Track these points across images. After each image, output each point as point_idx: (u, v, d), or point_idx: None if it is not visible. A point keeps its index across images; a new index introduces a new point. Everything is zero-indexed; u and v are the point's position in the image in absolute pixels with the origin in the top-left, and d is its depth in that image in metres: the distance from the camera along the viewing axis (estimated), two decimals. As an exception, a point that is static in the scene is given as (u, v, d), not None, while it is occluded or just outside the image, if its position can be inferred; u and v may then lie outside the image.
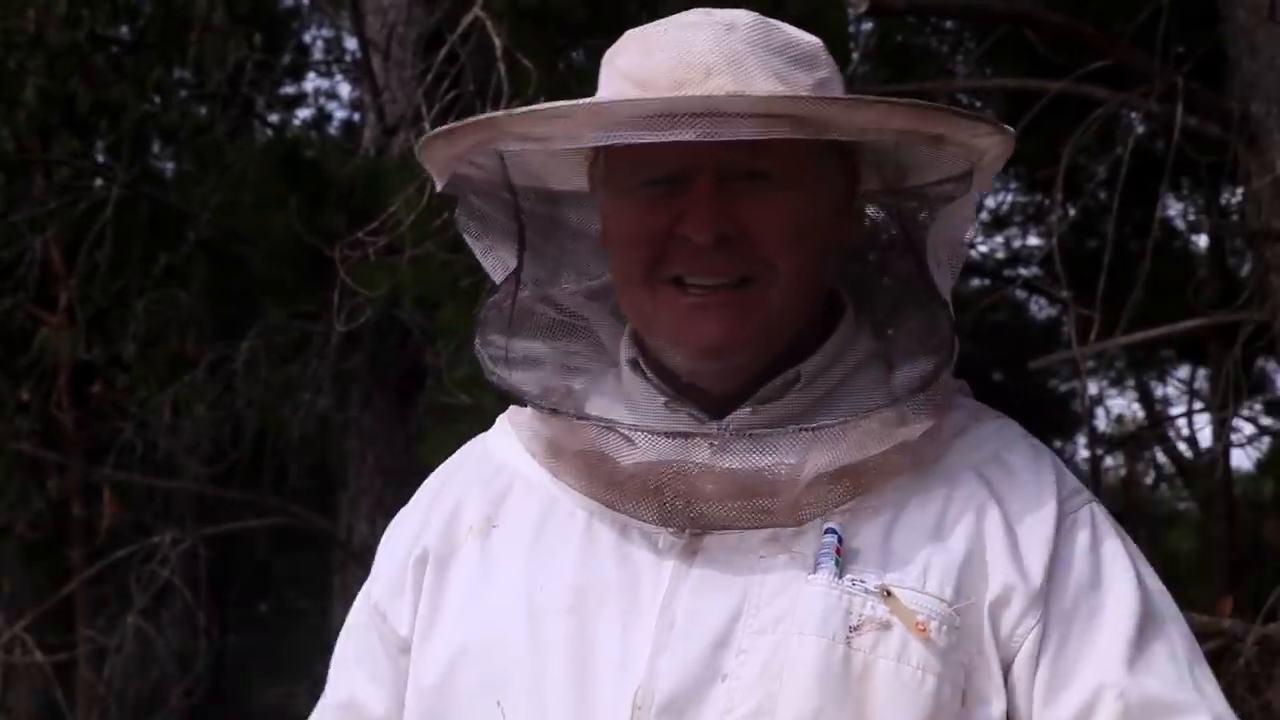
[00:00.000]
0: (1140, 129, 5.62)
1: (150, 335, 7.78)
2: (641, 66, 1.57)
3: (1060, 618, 1.54)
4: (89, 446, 8.37)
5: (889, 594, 1.51)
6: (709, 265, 1.55)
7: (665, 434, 1.56)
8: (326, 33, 10.07)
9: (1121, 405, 12.65)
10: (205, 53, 7.35)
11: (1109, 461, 9.77)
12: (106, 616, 8.18)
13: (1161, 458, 10.05)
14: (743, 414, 1.58)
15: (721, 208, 1.54)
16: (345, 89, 10.02)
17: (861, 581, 1.52)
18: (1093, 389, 8.68)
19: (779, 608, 1.52)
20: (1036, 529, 1.56)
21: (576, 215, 1.75)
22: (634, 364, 1.64)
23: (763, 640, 1.51)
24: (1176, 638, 1.57)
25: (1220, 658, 5.00)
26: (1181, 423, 9.79)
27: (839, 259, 1.67)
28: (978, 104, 7.34)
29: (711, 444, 1.54)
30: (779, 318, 1.58)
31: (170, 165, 9.12)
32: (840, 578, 1.51)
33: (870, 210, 1.71)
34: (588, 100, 1.52)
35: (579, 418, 1.61)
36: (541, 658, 1.55)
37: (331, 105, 9.98)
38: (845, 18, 6.19)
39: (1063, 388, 9.19)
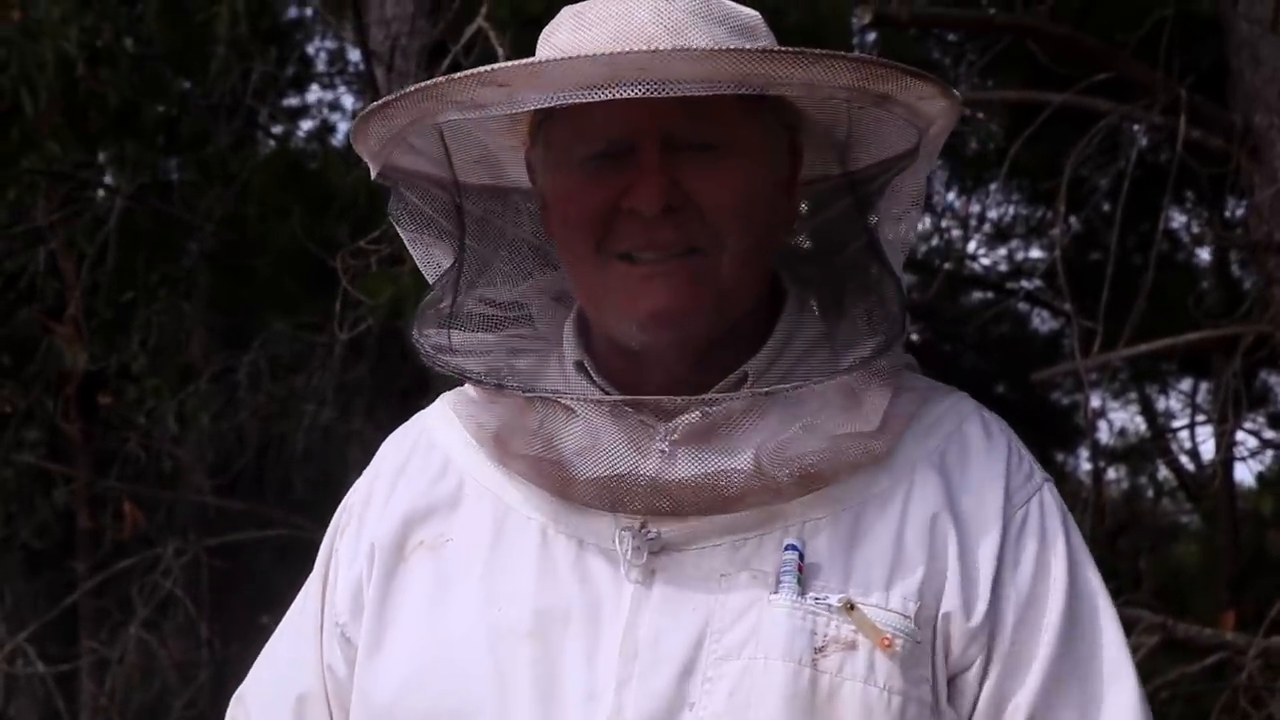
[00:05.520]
0: (1143, 141, 5.62)
1: (156, 346, 7.78)
2: (580, 40, 1.52)
3: (1001, 648, 1.52)
4: (95, 458, 8.37)
5: (852, 607, 1.47)
6: (656, 238, 1.50)
7: (613, 404, 1.52)
8: (330, 44, 10.07)
9: (1124, 418, 12.59)
10: (230, 67, 7.36)
11: (1111, 474, 9.76)
12: (109, 627, 8.16)
13: (1164, 471, 10.04)
14: (691, 417, 1.51)
15: (668, 176, 1.49)
16: (349, 100, 10.01)
17: (824, 599, 1.47)
18: (1095, 401, 8.63)
19: (742, 631, 1.48)
20: (985, 540, 1.53)
21: (512, 209, 1.69)
22: (579, 366, 1.59)
23: (728, 666, 1.47)
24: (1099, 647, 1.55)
25: (1223, 671, 5.00)
26: (1184, 435, 9.79)
27: (782, 238, 1.63)
28: (979, 115, 7.35)
29: (661, 451, 1.50)
30: (731, 289, 1.52)
31: (175, 176, 9.13)
32: (803, 595, 1.47)
33: (816, 188, 1.67)
34: (524, 60, 1.45)
35: (526, 391, 1.56)
36: (504, 684, 1.50)
37: (335, 116, 9.97)
38: (849, 29, 6.21)
39: (1065, 400, 9.20)
